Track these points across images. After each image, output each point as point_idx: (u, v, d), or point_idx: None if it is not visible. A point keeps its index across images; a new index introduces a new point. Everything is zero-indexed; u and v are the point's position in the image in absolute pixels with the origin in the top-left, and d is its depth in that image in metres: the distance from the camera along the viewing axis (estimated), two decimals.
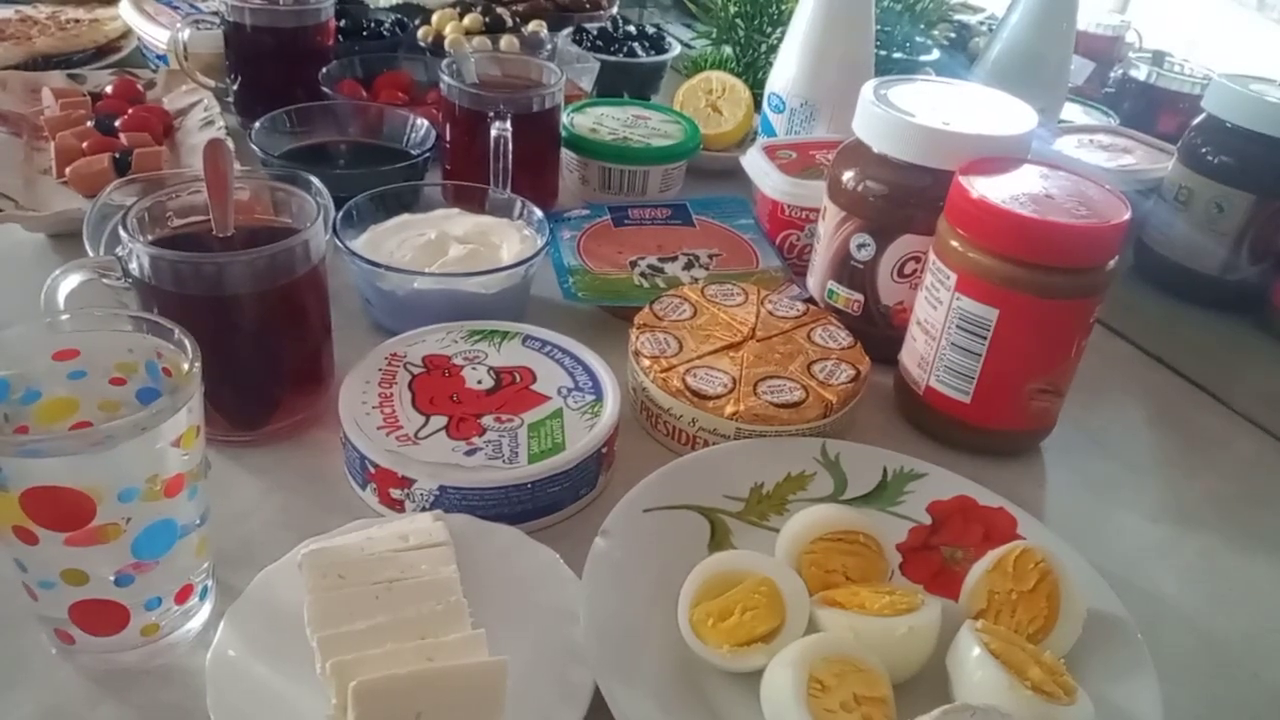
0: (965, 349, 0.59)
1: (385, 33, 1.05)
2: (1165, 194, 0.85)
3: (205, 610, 0.45)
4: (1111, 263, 0.57)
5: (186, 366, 0.41)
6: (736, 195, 0.87)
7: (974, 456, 0.62)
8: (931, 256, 0.60)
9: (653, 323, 0.64)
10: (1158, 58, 1.12)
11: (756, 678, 0.43)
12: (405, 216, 0.72)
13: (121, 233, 0.52)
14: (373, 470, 0.52)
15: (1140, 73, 1.08)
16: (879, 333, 0.68)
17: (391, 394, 0.56)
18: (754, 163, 0.81)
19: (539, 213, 0.71)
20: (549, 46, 1.03)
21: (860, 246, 0.67)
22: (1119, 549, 0.56)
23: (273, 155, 0.78)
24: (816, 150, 0.82)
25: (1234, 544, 0.59)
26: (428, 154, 0.79)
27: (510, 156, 0.74)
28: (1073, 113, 1.05)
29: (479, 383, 0.58)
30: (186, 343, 0.42)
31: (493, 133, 0.75)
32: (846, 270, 0.68)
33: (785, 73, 0.86)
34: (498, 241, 0.70)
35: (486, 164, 0.78)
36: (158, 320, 0.43)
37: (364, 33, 1.04)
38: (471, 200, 0.74)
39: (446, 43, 1.01)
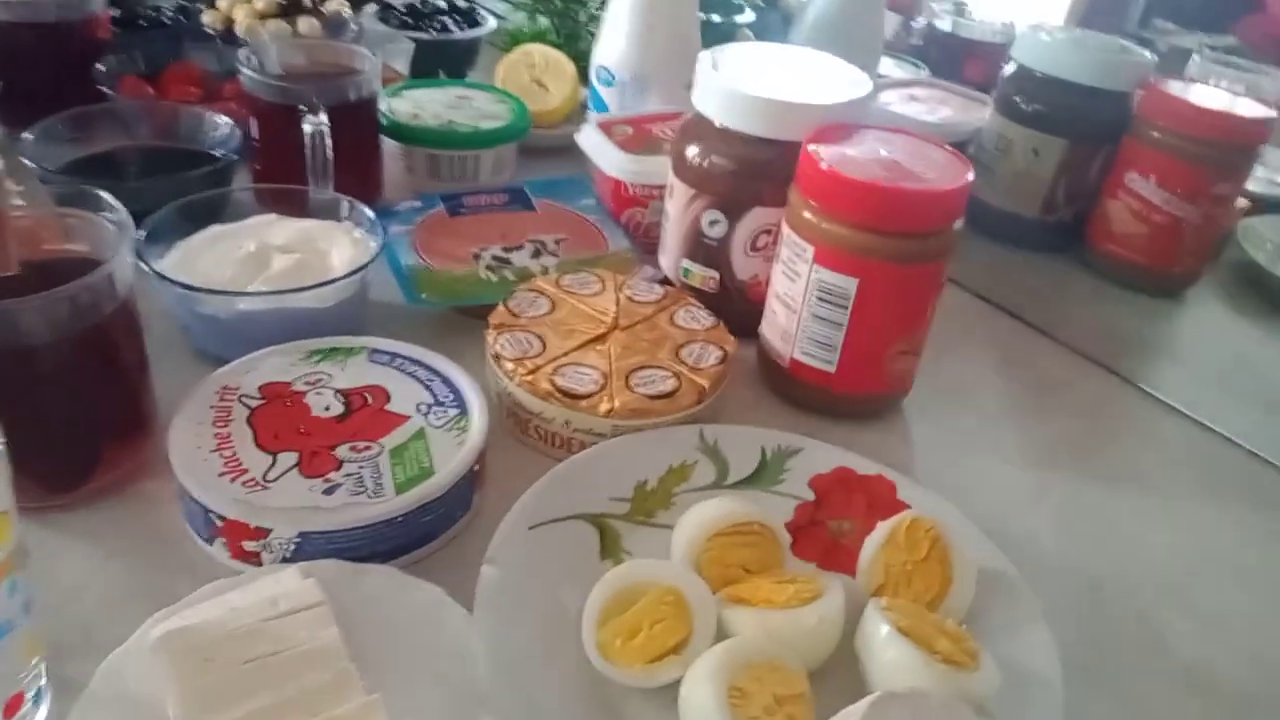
0: (827, 320, 0.59)
1: (167, 20, 0.95)
2: (986, 143, 0.88)
3: (42, 716, 0.39)
4: (958, 222, 0.58)
5: None
6: (574, 175, 0.84)
7: (841, 422, 0.62)
8: (786, 230, 0.60)
9: (509, 321, 0.60)
10: (958, 7, 1.16)
11: (672, 690, 0.41)
12: (217, 228, 0.65)
13: None
14: (219, 524, 0.47)
15: (944, 24, 1.12)
16: (736, 307, 0.67)
17: (229, 433, 0.50)
18: (591, 141, 0.78)
19: (369, 212, 0.65)
20: (354, 28, 0.96)
21: (712, 223, 0.65)
22: (989, 500, 0.58)
23: (51, 169, 0.69)
24: (652, 124, 0.80)
25: (1094, 483, 0.61)
26: (233, 156, 0.72)
27: (329, 152, 0.69)
28: (885, 66, 1.07)
29: (327, 409, 0.53)
30: None
31: (306, 128, 0.68)
32: (700, 248, 0.67)
33: (614, 45, 0.83)
34: (325, 247, 0.64)
35: (302, 162, 0.72)
36: None
37: (141, 21, 0.94)
38: (290, 203, 0.67)
39: (239, 28, 0.92)
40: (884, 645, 0.42)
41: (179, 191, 0.67)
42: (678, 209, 0.67)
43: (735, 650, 0.41)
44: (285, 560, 0.46)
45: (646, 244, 0.75)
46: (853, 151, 0.58)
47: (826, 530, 0.53)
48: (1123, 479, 0.62)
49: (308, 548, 0.46)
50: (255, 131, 0.74)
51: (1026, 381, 0.71)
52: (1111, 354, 0.74)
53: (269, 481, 0.48)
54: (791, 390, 0.62)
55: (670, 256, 0.69)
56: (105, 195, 0.57)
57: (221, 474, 0.48)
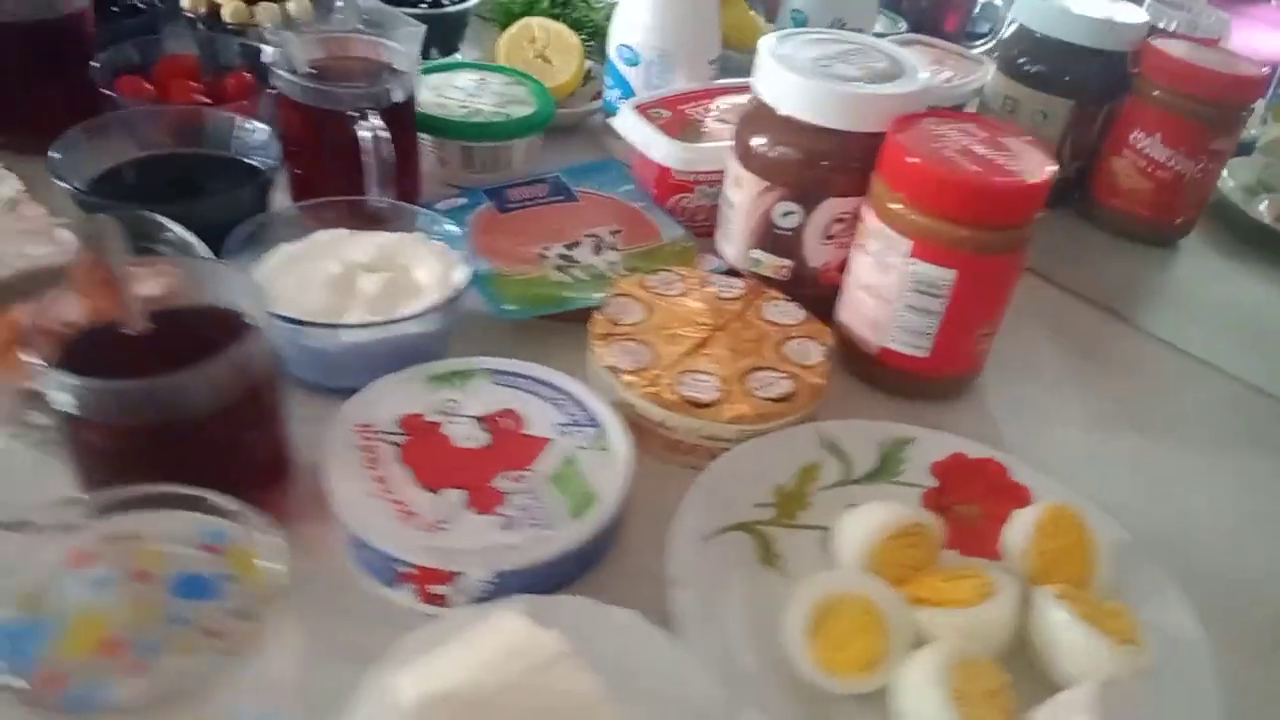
0: (922, 309, 0.61)
1: (141, 5, 0.89)
2: (991, 104, 0.91)
3: None
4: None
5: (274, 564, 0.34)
6: (603, 159, 0.84)
7: (930, 404, 0.65)
8: (876, 223, 0.61)
9: (612, 331, 0.61)
10: None
11: (875, 696, 0.44)
12: (287, 248, 0.62)
13: (32, 360, 0.42)
14: (407, 570, 0.47)
15: None
16: (808, 294, 0.68)
17: (385, 475, 0.50)
18: (633, 127, 0.77)
19: (449, 223, 0.64)
20: (339, 3, 0.91)
21: (785, 214, 0.67)
22: (1074, 467, 0.62)
23: (81, 189, 0.65)
24: (685, 105, 0.80)
25: (1158, 443, 0.66)
26: (275, 164, 0.69)
27: (391, 157, 0.66)
28: None
29: (469, 439, 0.53)
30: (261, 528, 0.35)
31: (364, 134, 0.66)
32: (771, 238, 0.68)
33: (637, 23, 0.82)
34: (407, 262, 0.62)
35: (343, 167, 0.69)
36: (198, 494, 0.35)
37: (114, 8, 0.87)
38: (353, 216, 0.65)
39: (226, 13, 0.87)
40: (1065, 631, 0.46)
41: (229, 207, 0.64)
42: (746, 200, 0.68)
43: (946, 653, 0.44)
44: (476, 601, 0.47)
45: (694, 228, 0.76)
46: (937, 144, 0.60)
47: (955, 517, 0.56)
48: (1181, 440, 0.67)
49: (504, 586, 0.47)
50: (287, 135, 0.71)
51: (1068, 343, 0.75)
52: (1134, 306, 0.79)
53: (444, 523, 0.48)
54: (880, 377, 0.65)
55: (737, 246, 0.70)
56: (169, 223, 0.55)
57: (397, 519, 0.48)
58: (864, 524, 0.50)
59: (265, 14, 0.88)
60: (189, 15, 0.88)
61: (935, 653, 0.44)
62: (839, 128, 0.63)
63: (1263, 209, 0.95)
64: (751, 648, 0.46)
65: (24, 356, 0.42)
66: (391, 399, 0.54)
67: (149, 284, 0.53)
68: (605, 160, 0.83)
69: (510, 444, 0.53)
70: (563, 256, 0.70)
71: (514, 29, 0.93)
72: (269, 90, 0.76)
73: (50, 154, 0.65)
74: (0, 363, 0.52)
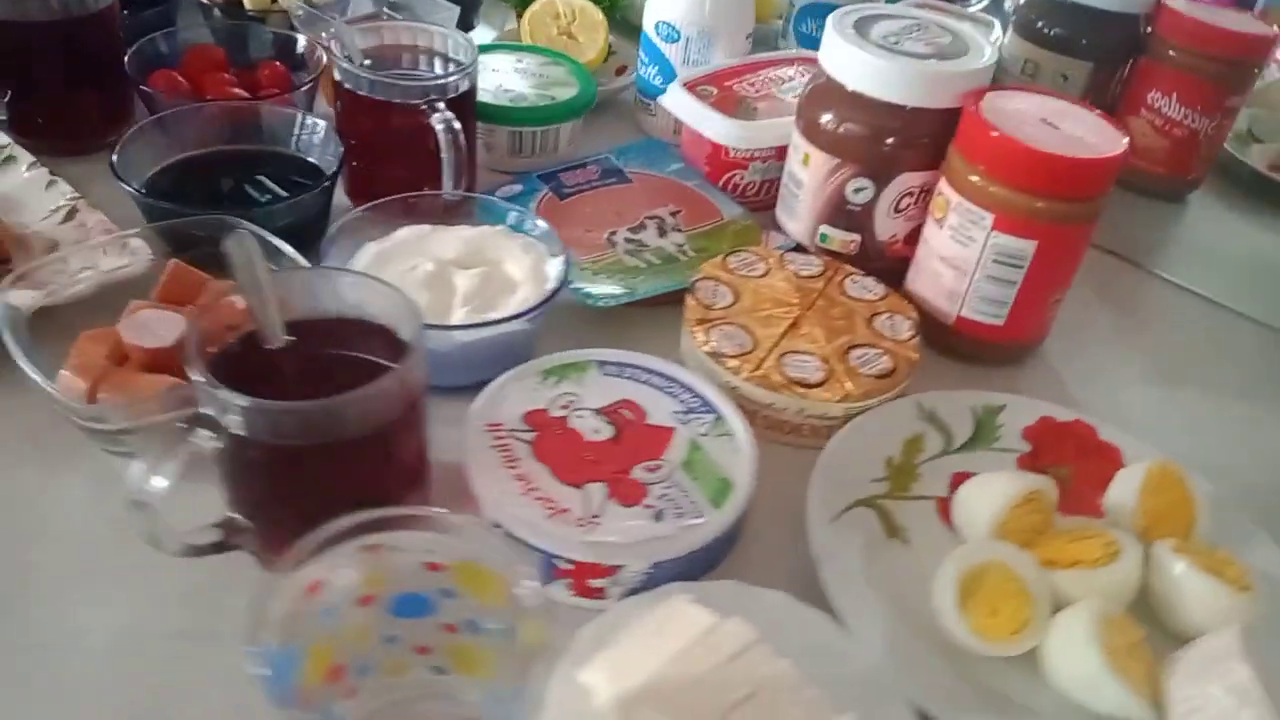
0: (1001, 279, 0.63)
1: None
2: (1010, 68, 0.93)
3: None
4: None
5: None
6: (646, 139, 0.84)
7: (1001, 369, 0.67)
8: (954, 197, 0.63)
9: (708, 316, 0.62)
10: None
11: (1022, 657, 0.47)
12: (373, 247, 0.62)
13: (201, 381, 0.41)
14: (567, 566, 0.48)
15: None
16: (875, 267, 0.70)
17: (524, 472, 0.51)
18: (685, 106, 0.78)
19: (534, 217, 0.64)
20: None
21: (858, 190, 0.68)
22: (1146, 423, 0.65)
23: (142, 191, 0.63)
24: (731, 81, 0.81)
25: (1212, 393, 0.70)
26: (336, 161, 0.67)
27: (465, 148, 0.66)
28: None
29: (596, 432, 0.54)
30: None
31: (438, 126, 0.65)
32: (842, 213, 0.69)
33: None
34: (497, 257, 0.62)
35: (407, 161, 0.69)
36: (421, 513, 0.36)
37: None
38: (429, 210, 0.65)
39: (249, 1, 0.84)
40: (1187, 581, 0.49)
41: (299, 208, 0.64)
42: (816, 177, 0.69)
43: (1094, 611, 0.46)
44: (632, 592, 0.48)
45: (748, 204, 0.77)
46: (1015, 118, 0.62)
47: (1053, 478, 0.58)
48: (1233, 389, 0.71)
49: (658, 576, 0.48)
50: (344, 127, 0.70)
51: (1111, 301, 0.78)
52: (1162, 260, 0.83)
53: (595, 518, 0.49)
54: (955, 345, 0.67)
55: (803, 222, 0.72)
56: (259, 231, 0.55)
57: (550, 518, 0.48)
58: (989, 494, 0.52)
59: (289, 2, 0.85)
60: (204, 3, 0.86)
61: (1084, 612, 0.46)
62: (911, 104, 0.65)
63: (1256, 158, 0.99)
64: (899, 619, 0.49)
65: (193, 376, 0.41)
66: (514, 397, 0.55)
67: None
68: (649, 139, 0.83)
69: (637, 435, 0.54)
70: (629, 240, 0.71)
71: (536, 6, 0.92)
72: (305, 81, 0.75)
73: (113, 158, 0.63)
74: (106, 381, 0.52)
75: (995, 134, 0.60)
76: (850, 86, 0.66)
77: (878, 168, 0.67)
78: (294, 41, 0.82)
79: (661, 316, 0.65)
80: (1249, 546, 0.54)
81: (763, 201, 0.79)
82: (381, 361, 0.46)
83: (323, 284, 0.48)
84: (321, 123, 0.69)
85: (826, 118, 0.68)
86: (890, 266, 0.71)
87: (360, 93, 0.67)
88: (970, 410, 0.61)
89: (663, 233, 0.72)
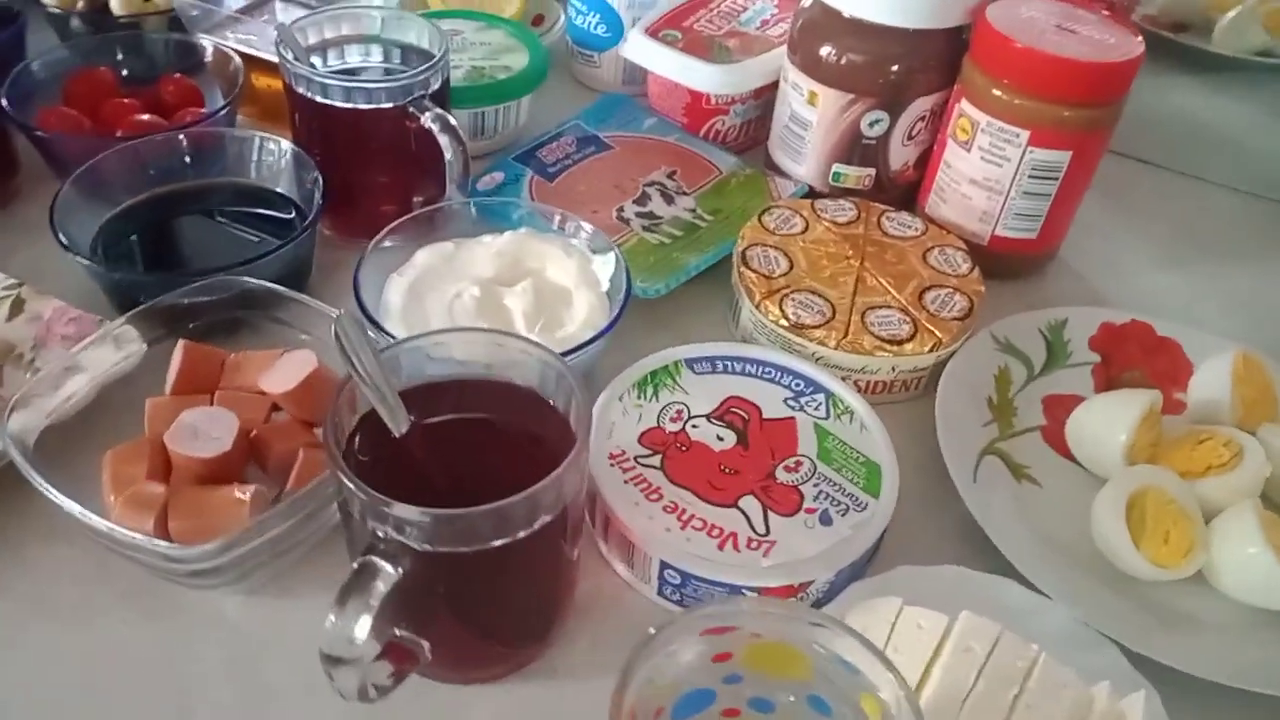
0: (1037, 194, 0.63)
1: None
2: None
3: None
4: None
5: None
6: (607, 95, 0.78)
7: (1030, 279, 0.68)
8: (982, 117, 0.61)
9: (774, 287, 0.58)
10: None
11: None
12: (398, 279, 0.55)
13: (363, 500, 0.35)
14: (751, 595, 0.45)
15: None
16: (887, 197, 0.68)
17: (673, 502, 0.47)
18: (657, 56, 0.72)
19: (573, 218, 0.58)
20: None
21: (873, 123, 0.65)
22: (1181, 308, 0.66)
23: (103, 264, 0.54)
24: (688, 20, 0.76)
25: (1224, 266, 0.72)
26: (317, 189, 0.59)
27: (465, 146, 0.59)
28: None
29: (720, 440, 0.50)
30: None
31: (433, 126, 0.58)
32: (856, 149, 0.67)
33: None
34: (538, 265, 0.57)
35: (388, 171, 0.62)
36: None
37: None
38: (435, 224, 0.58)
39: (116, 3, 0.72)
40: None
41: (300, 249, 0.56)
42: (828, 115, 0.66)
43: (1253, 514, 0.47)
44: (818, 604, 0.46)
45: (731, 148, 0.73)
46: (1031, 27, 0.60)
47: (1125, 384, 0.59)
48: (1230, 253, 0.74)
49: (838, 582, 0.46)
50: (307, 142, 0.61)
51: (1114, 195, 0.78)
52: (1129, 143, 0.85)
53: (764, 537, 0.46)
54: (990, 264, 0.66)
55: (813, 163, 0.69)
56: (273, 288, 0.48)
57: (718, 547, 0.45)
58: (1110, 420, 0.53)
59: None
60: (55, 11, 0.73)
61: (1245, 517, 0.48)
62: (915, 26, 0.62)
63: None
64: (1070, 564, 0.49)
65: (346, 481, 0.35)
66: (620, 420, 0.50)
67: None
68: (610, 96, 0.78)
69: (762, 434, 0.51)
70: (641, 215, 0.66)
71: None
72: (228, 94, 0.65)
73: (55, 229, 0.53)
74: (173, 509, 0.44)
75: (1021, 47, 0.59)
76: (848, 13, 0.63)
77: (891, 97, 0.65)
78: (191, 48, 0.70)
79: (692, 292, 0.61)
80: None
81: (743, 144, 0.76)
82: (530, 427, 0.41)
83: (434, 350, 0.42)
84: (285, 143, 0.60)
85: (827, 49, 0.64)
86: (900, 194, 0.69)
87: (329, 102, 0.58)
88: (1038, 331, 0.61)
89: (669, 200, 0.68)
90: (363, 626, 0.34)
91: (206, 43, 0.69)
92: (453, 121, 0.58)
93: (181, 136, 0.60)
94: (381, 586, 0.35)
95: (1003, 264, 0.66)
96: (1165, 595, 0.48)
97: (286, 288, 0.54)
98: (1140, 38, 0.61)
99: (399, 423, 0.40)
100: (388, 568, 0.35)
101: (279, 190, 0.61)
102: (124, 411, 0.50)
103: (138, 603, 0.45)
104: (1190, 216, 0.78)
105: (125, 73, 0.69)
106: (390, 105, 0.58)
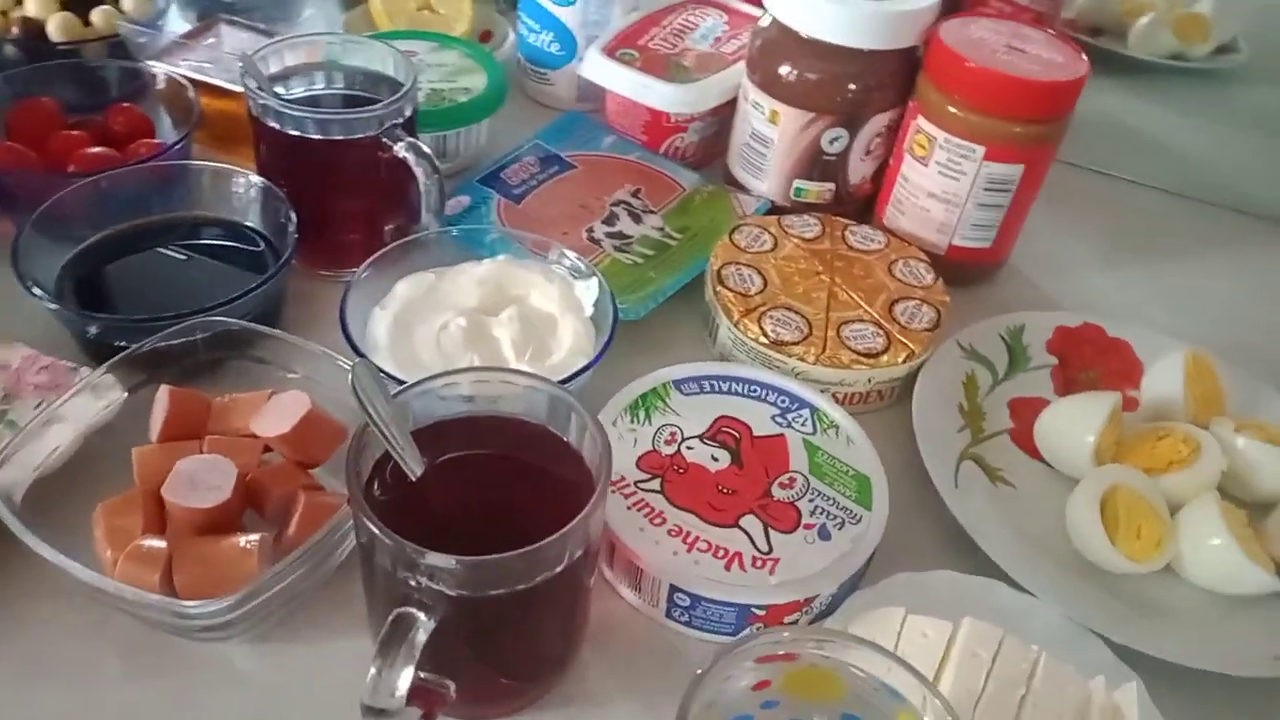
0: (992, 205, 0.65)
1: None
2: None
3: None
4: None
5: None
6: (565, 113, 0.78)
7: (981, 286, 0.71)
8: (939, 133, 0.64)
9: (751, 305, 0.60)
10: None
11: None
12: (380, 312, 0.55)
13: (394, 549, 0.35)
14: (759, 613, 0.46)
15: None
16: (846, 210, 0.71)
17: (677, 525, 0.48)
18: (617, 76, 0.73)
19: (550, 241, 0.59)
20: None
21: (833, 140, 0.67)
22: (1129, 308, 0.70)
23: (48, 292, 0.52)
24: (642, 39, 0.76)
25: (1166, 266, 0.76)
26: (291, 222, 0.58)
27: (440, 175, 0.59)
28: None
29: (715, 460, 0.51)
30: None
31: (406, 156, 0.58)
32: (817, 165, 0.69)
33: None
34: (522, 292, 0.57)
35: (358, 201, 0.61)
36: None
37: None
38: (416, 255, 0.58)
39: (54, 29, 0.69)
40: (1258, 455, 0.54)
41: (275, 286, 0.55)
42: (789, 133, 0.67)
43: (1216, 507, 0.51)
44: (820, 616, 0.48)
45: (689, 165, 0.75)
46: (984, 48, 0.63)
47: (1080, 385, 0.63)
48: (1169, 252, 0.78)
49: (839, 595, 0.48)
50: (270, 171, 0.60)
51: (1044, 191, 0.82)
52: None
53: (767, 554, 0.47)
54: (948, 272, 0.68)
55: (774, 179, 0.70)
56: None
57: (725, 568, 0.46)
58: (1077, 421, 0.55)
59: (103, 20, 0.71)
60: None
61: (1209, 509, 0.51)
62: (875, 47, 0.64)
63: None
64: (1052, 562, 0.51)
65: (377, 532, 0.35)
66: (616, 445, 0.51)
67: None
68: (569, 114, 0.78)
69: (754, 453, 0.52)
70: (611, 235, 0.67)
71: None
72: (185, 125, 0.64)
73: (18, 272, 0.51)
74: (178, 563, 0.43)
75: (975, 67, 0.61)
76: (805, 33, 0.65)
77: (850, 115, 0.66)
78: (137, 75, 0.68)
79: (663, 311, 0.62)
80: (1268, 406, 0.61)
81: (700, 160, 0.77)
82: (544, 461, 0.42)
83: (445, 390, 0.42)
84: (253, 176, 0.59)
85: (786, 69, 0.66)
86: (858, 207, 0.72)
87: (299, 134, 0.57)
88: (998, 336, 0.64)
89: (637, 219, 0.68)
90: (405, 678, 0.34)
91: (158, 70, 0.67)
92: (427, 151, 0.58)
93: (145, 170, 0.58)
94: (421, 636, 0.35)
95: (959, 272, 0.69)
96: (1139, 587, 0.51)
97: (263, 324, 0.53)
98: (1084, 56, 0.64)
99: (415, 467, 0.40)
100: (423, 617, 0.35)
101: (247, 224, 0.60)
102: (108, 461, 0.48)
103: (142, 659, 0.44)
104: (1124, 218, 0.82)
105: (67, 102, 0.67)
106: (363, 136, 0.57)
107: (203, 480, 0.45)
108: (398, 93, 0.58)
